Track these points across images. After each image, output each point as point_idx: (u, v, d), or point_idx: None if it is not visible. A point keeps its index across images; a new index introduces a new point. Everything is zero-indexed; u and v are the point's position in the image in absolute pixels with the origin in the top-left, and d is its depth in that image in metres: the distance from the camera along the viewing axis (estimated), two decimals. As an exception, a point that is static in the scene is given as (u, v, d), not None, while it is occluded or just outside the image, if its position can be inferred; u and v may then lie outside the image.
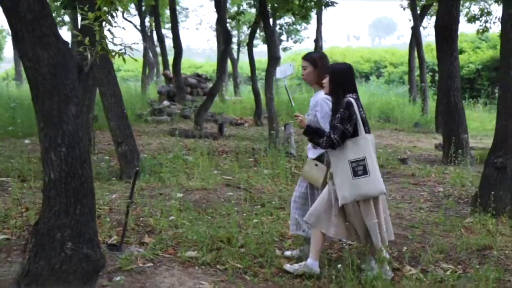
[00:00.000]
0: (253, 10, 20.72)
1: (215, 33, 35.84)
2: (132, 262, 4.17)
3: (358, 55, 46.05)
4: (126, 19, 29.00)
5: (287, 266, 4.38)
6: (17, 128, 11.54)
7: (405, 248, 4.96)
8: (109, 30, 3.83)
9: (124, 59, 3.96)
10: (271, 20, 24.00)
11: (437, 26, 9.97)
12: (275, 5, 11.28)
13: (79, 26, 9.50)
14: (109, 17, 3.81)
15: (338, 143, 4.06)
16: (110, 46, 3.88)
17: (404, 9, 23.00)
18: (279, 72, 4.91)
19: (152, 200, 6.07)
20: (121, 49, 3.84)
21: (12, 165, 7.57)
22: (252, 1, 16.38)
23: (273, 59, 10.05)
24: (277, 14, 11.31)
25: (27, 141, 10.19)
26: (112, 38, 3.82)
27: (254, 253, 4.62)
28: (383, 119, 16.28)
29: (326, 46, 35.02)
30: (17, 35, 3.45)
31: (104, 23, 3.78)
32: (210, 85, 21.69)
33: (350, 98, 4.12)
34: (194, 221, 5.24)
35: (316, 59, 4.63)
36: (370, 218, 4.14)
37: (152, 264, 4.25)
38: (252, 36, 14.14)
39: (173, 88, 18.59)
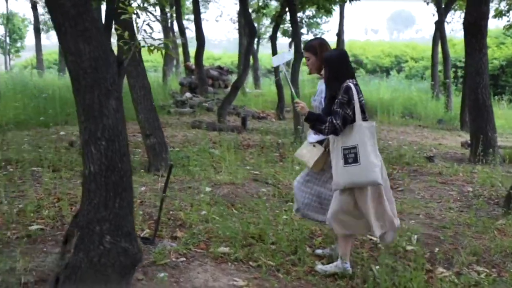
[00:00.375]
0: (273, 3, 20.67)
1: (234, 25, 35.82)
2: (166, 256, 4.18)
3: (379, 50, 45.71)
4: (145, 8, 28.99)
5: (319, 267, 4.35)
6: (48, 118, 11.66)
7: (437, 249, 4.93)
8: (148, 24, 3.82)
9: (162, 54, 3.96)
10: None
11: (465, 22, 9.85)
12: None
13: (103, 19, 9.49)
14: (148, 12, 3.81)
15: (340, 128, 4.02)
16: (148, 41, 3.88)
17: (427, 3, 22.77)
18: (276, 59, 4.86)
19: (181, 193, 6.08)
20: (160, 44, 3.84)
21: (41, 155, 7.62)
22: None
23: (299, 55, 9.96)
24: (301, 7, 11.22)
25: (62, 132, 10.30)
26: (151, 33, 3.81)
27: (285, 251, 4.61)
28: (406, 115, 16.13)
29: (345, 40, 34.93)
30: (60, 29, 3.45)
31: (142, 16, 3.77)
32: (231, 77, 21.70)
33: (349, 83, 4.09)
34: (225, 216, 5.23)
35: (316, 47, 4.59)
36: (366, 208, 4.10)
37: (185, 259, 4.25)
38: (276, 29, 14.06)
39: (195, 80, 18.59)
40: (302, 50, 4.74)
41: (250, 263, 4.32)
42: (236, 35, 35.64)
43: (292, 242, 4.81)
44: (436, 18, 20.25)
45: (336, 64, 4.19)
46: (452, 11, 23.58)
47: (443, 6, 19.73)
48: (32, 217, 4.96)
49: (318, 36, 37.80)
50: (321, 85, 4.60)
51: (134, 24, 3.74)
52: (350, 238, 4.37)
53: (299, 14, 30.43)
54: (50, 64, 44.19)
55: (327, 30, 39.77)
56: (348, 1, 12.35)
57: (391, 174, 8.18)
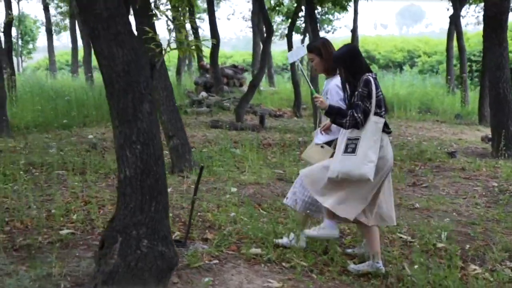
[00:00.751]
0: (285, 1, 20.64)
1: (246, 23, 35.78)
2: (199, 259, 4.16)
3: (391, 44, 45.49)
4: (157, 8, 29.11)
5: (351, 267, 4.33)
6: (69, 121, 11.72)
7: (468, 246, 4.88)
8: (179, 25, 3.82)
9: (193, 55, 3.95)
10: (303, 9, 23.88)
11: (485, 16, 9.76)
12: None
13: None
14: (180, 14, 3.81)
15: (362, 122, 4.00)
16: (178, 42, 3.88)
17: (442, -1, 22.63)
18: (291, 56, 4.85)
19: (207, 194, 6.07)
20: (191, 45, 3.83)
21: (64, 158, 7.66)
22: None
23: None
24: (318, 3, 11.18)
25: (90, 136, 10.33)
26: (186, 35, 3.81)
27: (316, 250, 4.58)
28: (423, 111, 16.03)
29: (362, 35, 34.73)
30: (93, 33, 3.45)
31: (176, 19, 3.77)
32: (246, 76, 21.68)
33: (369, 76, 4.07)
34: (255, 216, 5.22)
35: (319, 48, 4.59)
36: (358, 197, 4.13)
37: (218, 261, 4.23)
38: (291, 27, 14.01)
39: (210, 79, 18.59)
40: (306, 51, 4.72)
41: (283, 264, 4.30)
42: (246, 33, 35.60)
43: (322, 241, 4.78)
44: (450, 12, 20.15)
45: (348, 61, 4.16)
46: (467, 5, 23.38)
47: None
48: (61, 221, 4.97)
49: (329, 32, 37.78)
50: (327, 85, 4.60)
51: (165, 26, 3.73)
52: (376, 235, 4.33)
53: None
54: (61, 65, 44.46)
55: (339, 26, 39.62)
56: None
57: (414, 170, 8.15)
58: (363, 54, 4.49)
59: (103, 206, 5.50)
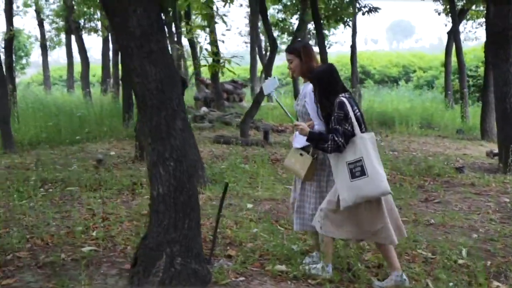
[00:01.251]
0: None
1: (242, 38, 35.87)
2: (226, 276, 4.14)
3: (386, 60, 45.83)
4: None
5: (376, 284, 4.31)
6: (74, 137, 11.69)
7: (489, 262, 4.87)
8: (210, 43, 3.83)
9: (222, 72, 3.96)
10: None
11: (488, 32, 9.83)
12: (329, 12, 11.25)
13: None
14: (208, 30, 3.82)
15: (343, 145, 3.99)
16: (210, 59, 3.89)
17: (439, 14, 22.83)
18: (265, 88, 4.82)
19: (224, 210, 6.04)
20: (222, 62, 3.84)
21: (74, 174, 7.63)
22: (296, 10, 16.35)
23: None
24: (325, 20, 11.28)
25: (100, 151, 10.26)
26: (216, 52, 3.81)
27: (338, 267, 4.56)
28: (425, 126, 16.10)
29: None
30: (126, 51, 3.46)
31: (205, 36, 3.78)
32: (246, 91, 21.72)
33: (342, 97, 4.07)
34: (275, 233, 5.20)
35: (299, 50, 4.54)
36: (379, 222, 4.09)
37: (244, 278, 4.20)
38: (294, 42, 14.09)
39: (210, 94, 18.62)
40: (285, 52, 4.72)
41: (309, 281, 4.27)
42: (242, 48, 35.71)
43: (343, 258, 4.77)
44: (444, 27, 20.39)
45: (325, 81, 4.16)
46: (464, 21, 23.62)
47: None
48: (82, 238, 4.94)
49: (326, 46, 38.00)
50: (304, 88, 4.55)
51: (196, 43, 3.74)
52: (391, 250, 4.31)
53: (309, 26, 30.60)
54: (54, 80, 44.41)
55: (335, 42, 39.86)
56: (368, 14, 12.40)
57: (424, 185, 8.15)
58: (359, 69, 4.48)
59: (121, 223, 5.47)
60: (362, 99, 20.93)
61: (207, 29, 3.94)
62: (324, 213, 4.19)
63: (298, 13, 21.41)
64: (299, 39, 13.91)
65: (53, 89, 31.62)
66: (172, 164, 3.44)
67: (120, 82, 14.82)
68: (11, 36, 15.75)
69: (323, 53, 10.50)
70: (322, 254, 4.40)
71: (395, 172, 8.89)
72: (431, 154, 11.17)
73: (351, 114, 4.02)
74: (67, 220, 5.52)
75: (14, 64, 40.69)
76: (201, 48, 3.48)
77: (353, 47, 20.25)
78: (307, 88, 4.49)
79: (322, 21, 10.88)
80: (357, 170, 3.96)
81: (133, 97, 13.66)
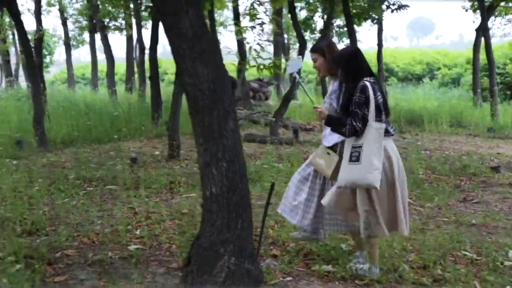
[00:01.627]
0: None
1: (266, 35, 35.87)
2: (274, 276, 4.14)
3: (410, 57, 45.37)
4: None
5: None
6: (104, 135, 11.79)
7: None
8: (258, 43, 3.84)
9: (271, 72, 3.97)
10: (322, 22, 23.92)
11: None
12: (358, 10, 11.20)
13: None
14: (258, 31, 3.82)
15: (361, 130, 3.97)
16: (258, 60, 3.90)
17: (466, 10, 22.57)
18: (289, 67, 4.84)
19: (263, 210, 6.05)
20: (270, 63, 3.85)
21: (111, 172, 7.69)
22: (322, 8, 16.30)
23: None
24: (357, 18, 11.22)
25: (133, 149, 10.35)
26: (258, 53, 3.82)
27: (383, 267, 4.54)
28: (455, 124, 15.91)
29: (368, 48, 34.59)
30: (179, 52, 3.48)
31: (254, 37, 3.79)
32: (271, 89, 21.70)
33: (366, 81, 4.03)
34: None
35: (323, 49, 4.56)
36: (362, 205, 4.06)
37: (291, 278, 4.21)
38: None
39: (238, 93, 18.64)
40: (310, 52, 4.71)
41: (356, 281, 4.25)
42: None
43: (388, 258, 4.74)
44: (469, 24, 20.22)
45: (348, 63, 4.15)
46: (492, 17, 23.30)
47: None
48: (127, 237, 4.98)
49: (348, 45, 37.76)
50: (332, 86, 4.54)
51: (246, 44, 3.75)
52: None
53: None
54: (77, 79, 44.84)
55: (358, 39, 39.62)
56: (396, 11, 12.32)
57: (460, 185, 8.07)
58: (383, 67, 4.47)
59: (162, 221, 5.51)
60: (388, 97, 20.81)
61: (256, 29, 3.97)
62: (365, 216, 4.17)
63: (321, 10, 21.40)
64: (323, 37, 13.88)
65: (76, 88, 31.87)
66: (225, 164, 3.45)
67: (148, 80, 14.87)
68: (41, 36, 15.93)
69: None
70: (369, 255, 4.38)
71: (430, 172, 8.82)
72: (463, 153, 11.05)
73: (372, 99, 3.99)
74: (110, 218, 5.56)
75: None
76: (250, 48, 3.48)
77: (380, 44, 20.12)
78: (334, 86, 4.49)
79: (353, 19, 10.85)
80: (355, 155, 3.99)
81: (161, 96, 13.84)
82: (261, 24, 3.85)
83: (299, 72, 4.92)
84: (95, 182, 7.15)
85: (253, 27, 3.85)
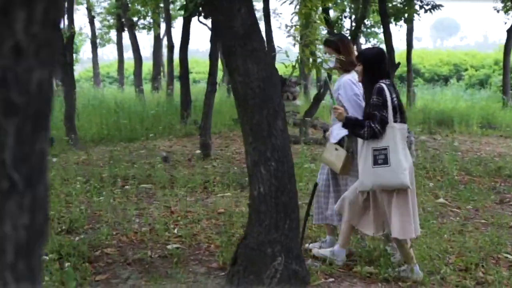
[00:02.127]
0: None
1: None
2: (316, 277, 4.10)
3: (436, 58, 44.95)
4: (201, 22, 29.23)
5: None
6: (134, 134, 11.84)
7: None
8: (308, 42, 3.80)
9: (319, 71, 3.93)
10: (348, 22, 23.78)
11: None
12: (392, 10, 11.10)
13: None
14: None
15: (380, 132, 3.95)
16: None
17: (498, 11, 22.23)
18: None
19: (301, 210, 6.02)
20: (319, 61, 3.81)
21: (142, 170, 7.71)
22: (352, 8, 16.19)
23: (393, 66, 9.83)
24: (394, 18, 11.11)
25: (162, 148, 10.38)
26: (313, 52, 3.79)
27: (424, 269, 4.47)
28: (486, 126, 15.67)
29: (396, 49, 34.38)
30: (230, 50, 3.46)
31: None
32: (299, 89, 21.59)
33: (382, 83, 4.01)
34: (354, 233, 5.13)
35: (338, 44, 4.55)
36: (396, 210, 4.02)
37: (333, 279, 4.17)
38: (353, 41, 13.92)
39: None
40: (323, 45, 4.70)
41: (399, 283, 4.20)
42: (285, 44, 35.57)
43: (429, 260, 4.67)
44: (507, 26, 19.90)
45: (375, 65, 4.13)
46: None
47: None
48: (165, 236, 4.98)
49: (375, 45, 37.47)
50: (339, 81, 4.56)
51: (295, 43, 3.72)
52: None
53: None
54: (102, 77, 45.21)
55: (381, 40, 39.31)
56: (431, 12, 12.20)
57: (495, 187, 7.94)
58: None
59: (199, 221, 5.50)
60: (416, 98, 20.61)
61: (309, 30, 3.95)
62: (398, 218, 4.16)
63: (348, 10, 21.26)
64: (336, 32, 13.78)
65: (101, 86, 32.10)
66: (274, 164, 3.42)
67: (180, 80, 14.92)
68: (73, 34, 16.06)
69: (391, 51, 10.39)
70: (404, 257, 4.33)
71: (463, 173, 8.69)
72: (496, 154, 10.88)
73: (389, 101, 3.99)
74: (147, 217, 5.57)
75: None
76: (300, 47, 3.46)
77: (409, 45, 19.95)
78: (341, 81, 4.52)
79: (389, 18, 10.73)
80: (381, 158, 3.96)
81: (191, 94, 13.87)
82: (314, 22, 3.82)
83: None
84: (130, 180, 7.17)
85: (306, 26, 3.84)
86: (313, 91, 26.79)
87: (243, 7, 3.36)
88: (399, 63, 11.55)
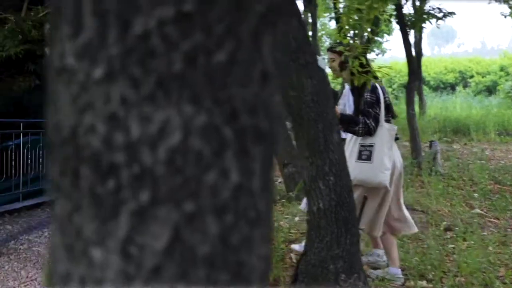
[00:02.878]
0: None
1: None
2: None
3: (441, 65, 44.85)
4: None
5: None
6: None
7: None
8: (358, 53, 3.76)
9: (369, 82, 3.90)
10: (349, 31, 23.77)
11: None
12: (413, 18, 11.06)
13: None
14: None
15: (374, 129, 3.97)
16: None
17: (505, 17, 22.21)
18: (320, 63, 4.84)
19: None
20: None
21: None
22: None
23: (414, 74, 9.80)
24: (413, 25, 11.03)
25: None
26: (362, 64, 3.75)
27: (473, 282, 4.39)
28: (503, 133, 15.57)
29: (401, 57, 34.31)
30: (283, 64, 3.41)
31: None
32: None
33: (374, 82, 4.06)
34: (399, 245, 5.06)
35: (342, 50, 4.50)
36: (372, 205, 4.03)
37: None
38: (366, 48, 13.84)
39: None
40: (327, 51, 4.67)
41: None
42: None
43: (479, 273, 4.58)
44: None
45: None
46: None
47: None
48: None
49: (379, 54, 37.42)
50: (345, 90, 4.53)
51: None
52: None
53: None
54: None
55: (389, 48, 39.42)
56: (443, 20, 12.13)
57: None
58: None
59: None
60: (426, 106, 20.51)
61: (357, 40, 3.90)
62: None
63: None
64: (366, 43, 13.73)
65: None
66: (332, 178, 3.36)
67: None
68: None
69: (410, 58, 10.36)
70: (390, 259, 4.36)
71: (492, 182, 8.60)
72: (515, 162, 10.80)
73: (382, 99, 4.04)
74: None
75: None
76: (352, 58, 3.44)
77: (419, 53, 19.89)
78: (347, 87, 4.49)
79: (408, 28, 10.69)
80: (365, 154, 3.99)
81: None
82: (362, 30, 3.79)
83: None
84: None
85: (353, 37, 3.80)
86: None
87: (293, 20, 3.32)
88: None
